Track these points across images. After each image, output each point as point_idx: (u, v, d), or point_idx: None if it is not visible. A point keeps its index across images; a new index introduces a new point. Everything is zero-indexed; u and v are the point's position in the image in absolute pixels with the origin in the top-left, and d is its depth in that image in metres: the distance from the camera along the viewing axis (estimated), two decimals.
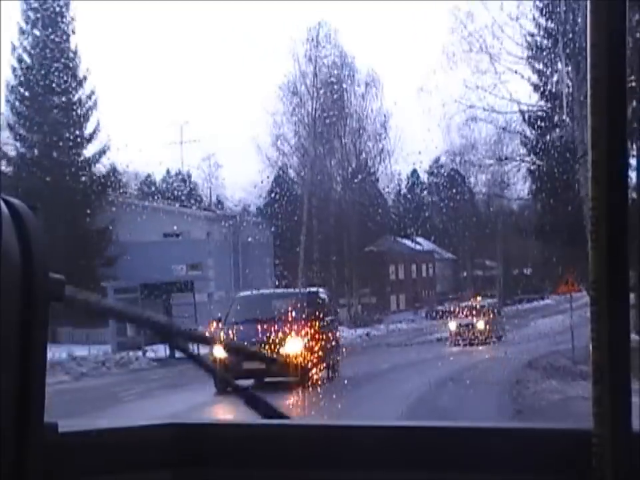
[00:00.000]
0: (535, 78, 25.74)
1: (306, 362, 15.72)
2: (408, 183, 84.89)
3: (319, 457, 1.60)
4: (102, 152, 34.99)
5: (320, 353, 16.87)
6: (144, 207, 32.63)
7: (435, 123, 44.65)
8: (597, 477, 1.31)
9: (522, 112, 26.27)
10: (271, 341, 15.85)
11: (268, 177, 44.89)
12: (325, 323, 17.86)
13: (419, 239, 73.00)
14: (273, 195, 45.06)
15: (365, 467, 1.57)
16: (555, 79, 25.95)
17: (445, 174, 71.43)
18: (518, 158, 26.45)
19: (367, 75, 48.34)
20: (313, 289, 21.91)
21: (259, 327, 16.42)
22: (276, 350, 15.36)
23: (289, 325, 16.68)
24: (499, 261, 62.96)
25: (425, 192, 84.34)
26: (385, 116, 50.07)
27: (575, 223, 26.89)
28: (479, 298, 43.80)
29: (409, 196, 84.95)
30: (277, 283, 35.19)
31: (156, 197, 37.17)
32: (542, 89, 26.66)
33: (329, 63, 44.39)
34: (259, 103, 79.49)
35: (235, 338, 15.57)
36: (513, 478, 1.52)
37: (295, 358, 15.19)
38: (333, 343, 19.09)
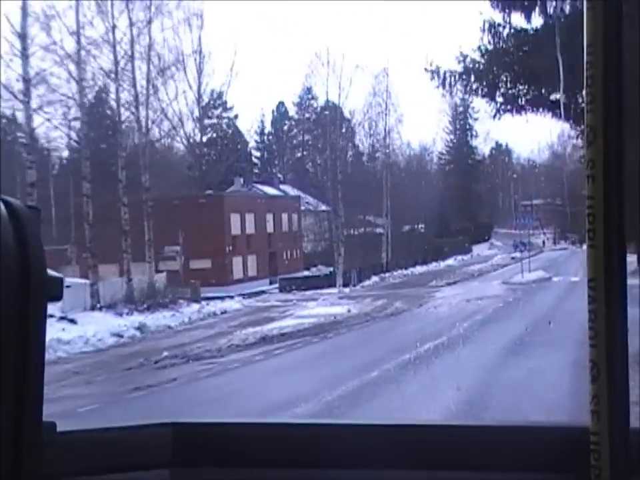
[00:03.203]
0: None
1: None
2: (273, 117, 70.80)
3: (318, 456, 1.59)
4: None
5: None
6: None
7: None
8: (594, 474, 1.33)
9: None
10: None
11: None
12: None
13: (285, 187, 57.89)
14: None
15: (365, 466, 1.56)
16: None
17: (318, 108, 59.08)
18: None
19: None
20: None
21: None
22: None
23: None
24: (386, 214, 50.02)
25: (295, 130, 70.13)
26: None
27: None
28: None
29: (273, 132, 70.76)
30: None
31: None
32: None
33: None
34: None
35: None
36: (512, 475, 1.52)
37: None
38: None
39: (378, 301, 27.70)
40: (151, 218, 32.01)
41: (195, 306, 26.90)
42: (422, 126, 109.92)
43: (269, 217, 45.53)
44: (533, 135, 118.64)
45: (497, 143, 76.58)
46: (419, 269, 45.76)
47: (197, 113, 47.96)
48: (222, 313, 26.73)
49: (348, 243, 45.10)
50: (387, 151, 48.05)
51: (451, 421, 1.82)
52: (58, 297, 1.21)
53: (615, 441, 1.31)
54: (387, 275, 42.46)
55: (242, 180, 48.93)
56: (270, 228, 45.67)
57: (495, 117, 11.48)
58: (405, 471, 1.53)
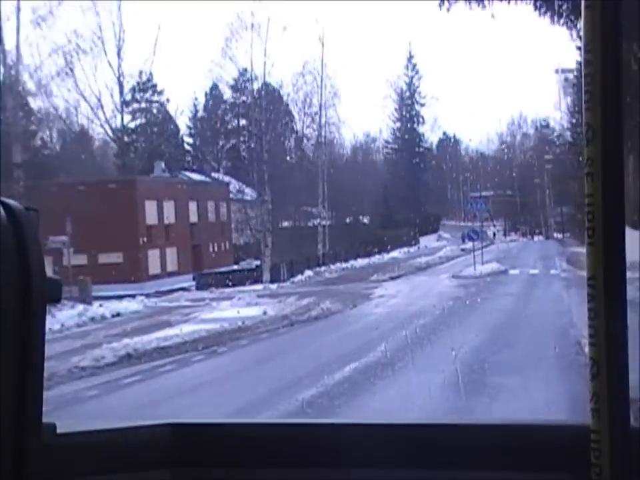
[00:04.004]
0: None
1: None
2: (207, 100, 66.09)
3: (318, 456, 1.58)
4: None
5: None
6: None
7: None
8: (595, 472, 1.32)
9: None
10: None
11: None
12: None
13: (219, 175, 53.27)
14: None
15: (365, 466, 1.55)
16: None
17: (255, 90, 54.54)
18: None
19: None
20: None
21: None
22: None
23: None
24: (322, 201, 45.58)
25: (230, 114, 65.47)
26: None
27: None
28: None
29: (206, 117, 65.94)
30: None
31: None
32: None
33: None
34: None
35: None
36: (512, 474, 1.51)
37: None
38: None
39: (304, 299, 23.13)
40: (40, 204, 27.01)
41: (80, 308, 22.00)
42: (368, 116, 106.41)
43: (192, 205, 40.69)
44: (482, 125, 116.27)
45: (444, 133, 73.44)
46: (360, 262, 41.47)
47: (117, 94, 43.05)
48: (113, 317, 21.91)
49: (282, 235, 40.64)
50: (323, 131, 43.49)
51: (451, 420, 1.51)
52: (57, 299, 1.20)
53: (615, 439, 1.28)
54: (323, 268, 38.06)
55: (163, 165, 43.86)
56: (193, 217, 40.83)
57: (442, 4, 6.92)
58: (404, 470, 1.53)
